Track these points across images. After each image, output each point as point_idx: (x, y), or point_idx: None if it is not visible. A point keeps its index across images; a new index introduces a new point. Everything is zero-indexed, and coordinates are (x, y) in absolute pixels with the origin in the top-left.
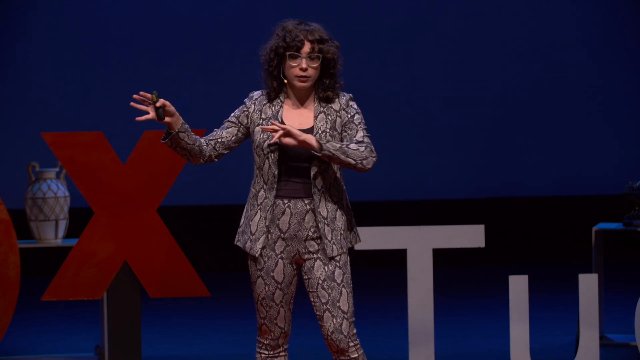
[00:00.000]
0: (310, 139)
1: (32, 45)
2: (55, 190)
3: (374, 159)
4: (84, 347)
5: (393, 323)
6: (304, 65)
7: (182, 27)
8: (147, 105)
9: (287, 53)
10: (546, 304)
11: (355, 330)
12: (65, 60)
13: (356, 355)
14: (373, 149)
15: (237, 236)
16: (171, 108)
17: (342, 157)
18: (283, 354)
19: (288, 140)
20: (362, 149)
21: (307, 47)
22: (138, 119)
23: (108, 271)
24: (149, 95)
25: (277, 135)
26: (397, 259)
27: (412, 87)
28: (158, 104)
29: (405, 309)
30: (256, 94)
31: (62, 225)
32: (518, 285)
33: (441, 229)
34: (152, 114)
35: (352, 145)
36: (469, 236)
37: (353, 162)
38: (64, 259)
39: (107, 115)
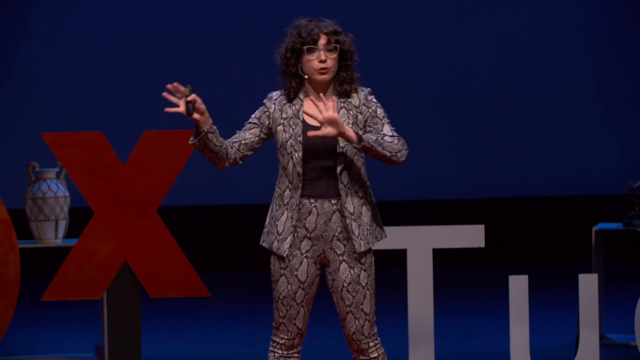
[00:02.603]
0: (350, 130)
1: (33, 45)
2: (55, 190)
3: (407, 152)
4: (84, 347)
5: (393, 323)
6: (322, 57)
7: (182, 27)
8: (179, 98)
9: (305, 47)
10: (546, 304)
11: (375, 330)
12: (65, 61)
13: (376, 354)
14: (404, 142)
15: (262, 237)
16: (202, 105)
17: (379, 149)
18: (297, 355)
19: (329, 131)
20: (396, 141)
21: (323, 39)
22: (167, 110)
23: (108, 271)
24: (182, 88)
25: (322, 116)
26: (397, 259)
27: (411, 87)
28: (190, 98)
29: (405, 309)
30: (275, 94)
31: (62, 225)
32: (518, 285)
33: (441, 229)
34: (182, 108)
35: (387, 138)
36: (469, 236)
37: (388, 154)
38: (64, 259)
39: (107, 115)
